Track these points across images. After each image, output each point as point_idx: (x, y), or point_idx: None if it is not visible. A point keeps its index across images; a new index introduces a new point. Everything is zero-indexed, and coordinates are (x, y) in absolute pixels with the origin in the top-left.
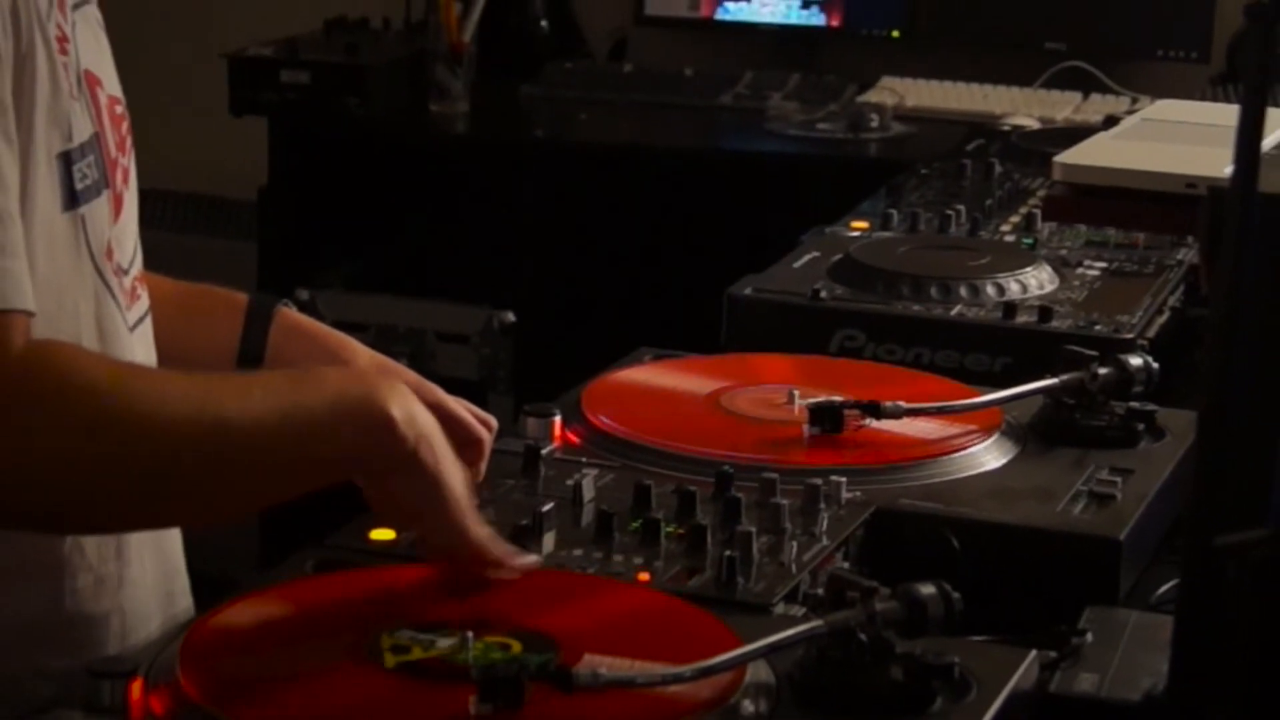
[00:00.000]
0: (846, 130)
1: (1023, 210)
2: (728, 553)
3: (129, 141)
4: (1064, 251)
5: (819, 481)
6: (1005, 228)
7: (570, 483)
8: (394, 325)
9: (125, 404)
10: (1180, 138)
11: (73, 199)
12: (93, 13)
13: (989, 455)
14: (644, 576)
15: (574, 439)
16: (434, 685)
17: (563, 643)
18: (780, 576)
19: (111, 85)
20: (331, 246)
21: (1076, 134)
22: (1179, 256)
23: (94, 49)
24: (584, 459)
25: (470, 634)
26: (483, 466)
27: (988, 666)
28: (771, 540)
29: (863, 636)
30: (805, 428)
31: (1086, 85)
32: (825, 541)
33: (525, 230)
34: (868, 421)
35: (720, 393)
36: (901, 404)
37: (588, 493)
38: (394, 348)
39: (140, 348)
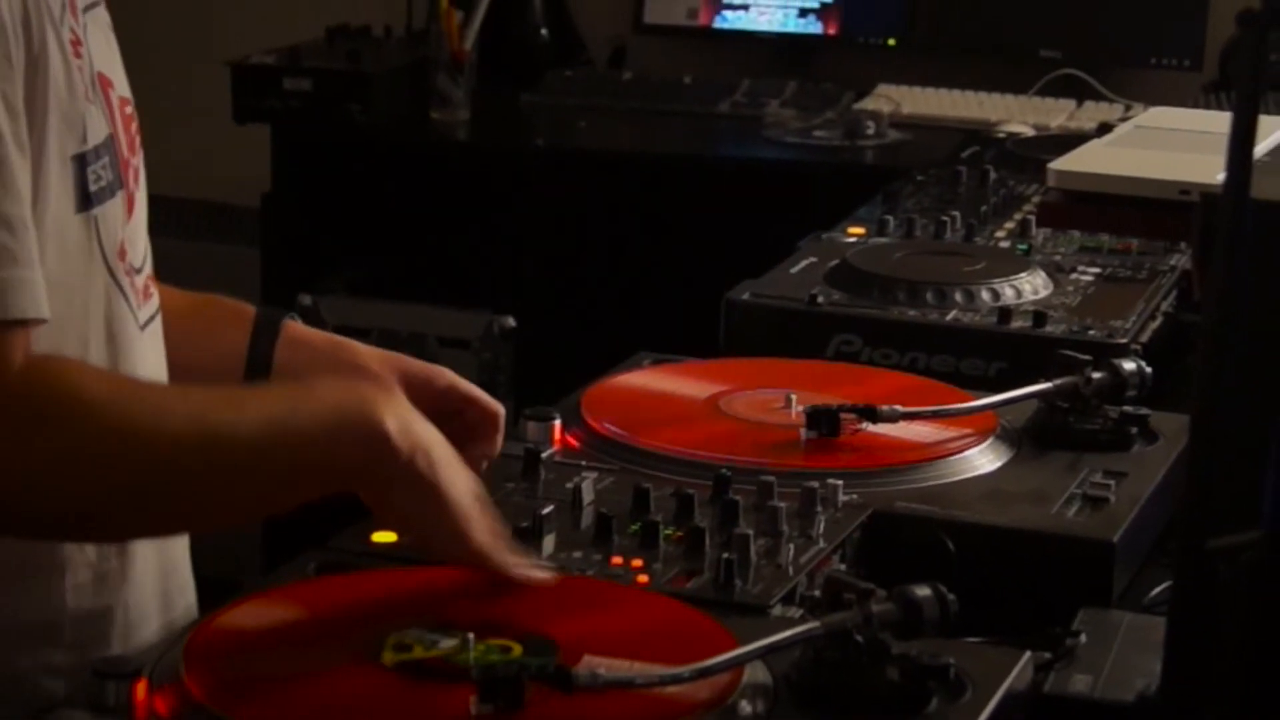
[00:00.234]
0: (843, 137)
1: (1017, 216)
2: (726, 555)
3: (139, 141)
4: (1058, 257)
5: (816, 484)
6: (1000, 233)
7: (570, 486)
8: (396, 330)
9: (124, 419)
10: (1173, 145)
11: (86, 200)
12: (102, 15)
13: (984, 459)
14: (643, 579)
15: (574, 442)
16: (435, 686)
17: (562, 644)
18: (778, 578)
19: (122, 86)
20: (334, 252)
21: (1071, 141)
22: (1172, 262)
23: (105, 51)
24: (583, 462)
25: (471, 635)
26: (499, 440)
27: (983, 667)
28: (769, 543)
29: (859, 638)
30: (802, 431)
31: (1081, 93)
32: (822, 544)
33: (526, 236)
34: (864, 425)
35: (718, 397)
36: (898, 408)
37: (587, 495)
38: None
39: (151, 346)
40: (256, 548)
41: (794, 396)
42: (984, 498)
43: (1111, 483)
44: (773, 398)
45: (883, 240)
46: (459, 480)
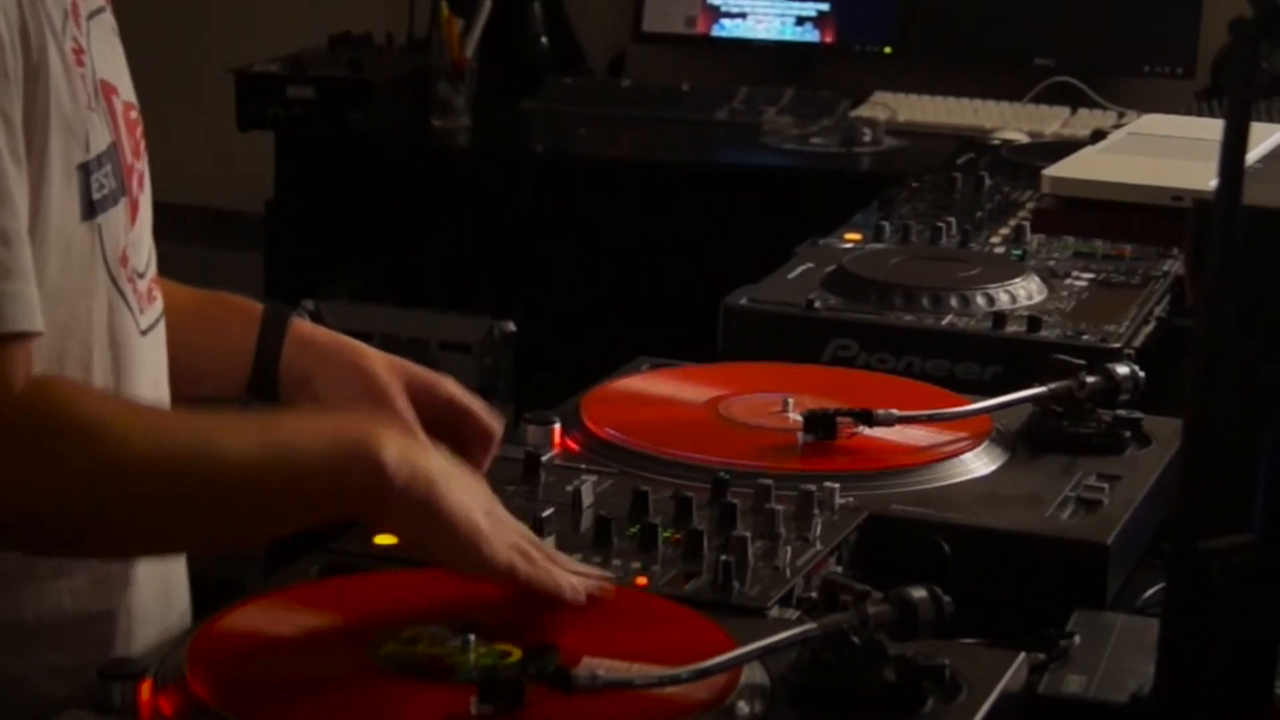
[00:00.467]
0: (840, 144)
1: (1012, 222)
2: (723, 557)
3: (144, 145)
4: (1052, 263)
5: (813, 488)
6: (995, 239)
7: (570, 489)
8: (397, 335)
9: (124, 444)
10: (1166, 151)
11: (90, 209)
12: (107, 20)
13: (979, 462)
14: (642, 580)
15: (573, 446)
16: (436, 686)
17: (562, 645)
18: (775, 580)
19: (126, 92)
20: (336, 258)
21: (1064, 148)
22: (1165, 267)
23: (109, 57)
24: (583, 465)
25: (472, 636)
26: (487, 461)
27: (978, 668)
28: (766, 545)
29: (855, 639)
30: (799, 435)
31: (1074, 100)
32: (819, 546)
33: (526, 242)
34: (860, 429)
35: (716, 401)
36: (894, 412)
37: (587, 498)
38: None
39: (152, 352)
40: (259, 550)
41: (791, 400)
42: (979, 500)
43: (1105, 486)
44: (770, 402)
45: (879, 246)
46: (464, 499)
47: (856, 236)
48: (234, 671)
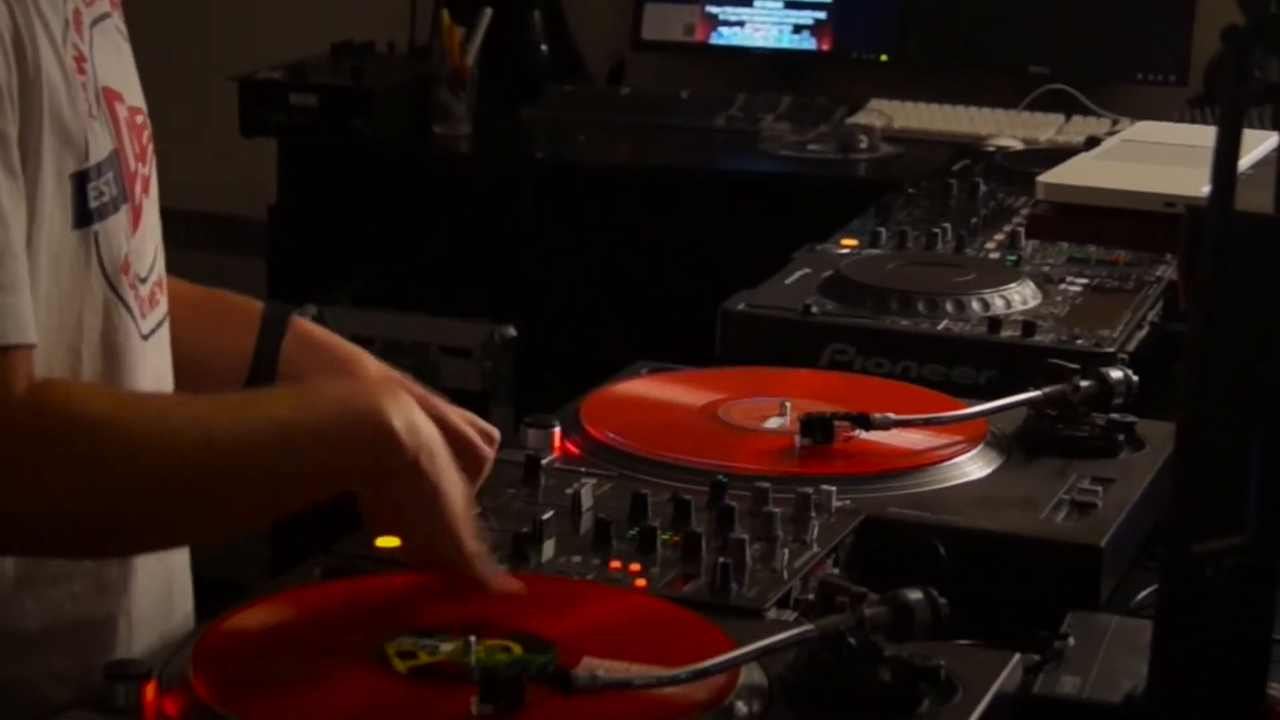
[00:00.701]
0: (836, 151)
1: (1007, 228)
2: (722, 559)
3: (150, 149)
4: (1047, 268)
5: (810, 490)
6: (990, 245)
7: (569, 492)
8: (399, 339)
9: (128, 433)
10: (1159, 158)
11: (85, 217)
12: (113, 25)
13: (974, 465)
14: (641, 582)
15: (573, 449)
16: (438, 687)
17: (562, 646)
18: (772, 582)
19: (133, 97)
20: (339, 263)
21: (1059, 155)
22: (1158, 273)
23: (114, 63)
24: (583, 469)
25: (473, 638)
26: (480, 481)
27: (973, 669)
28: (764, 547)
29: (852, 640)
30: (797, 438)
31: (1068, 107)
32: (816, 549)
33: (526, 247)
34: (857, 432)
35: (715, 405)
36: (890, 415)
37: (586, 501)
38: (399, 361)
39: (154, 356)
40: (263, 552)
41: (789, 404)
42: (974, 503)
43: (1099, 489)
44: (768, 405)
45: (875, 252)
46: (457, 483)
47: (853, 242)
48: (238, 673)
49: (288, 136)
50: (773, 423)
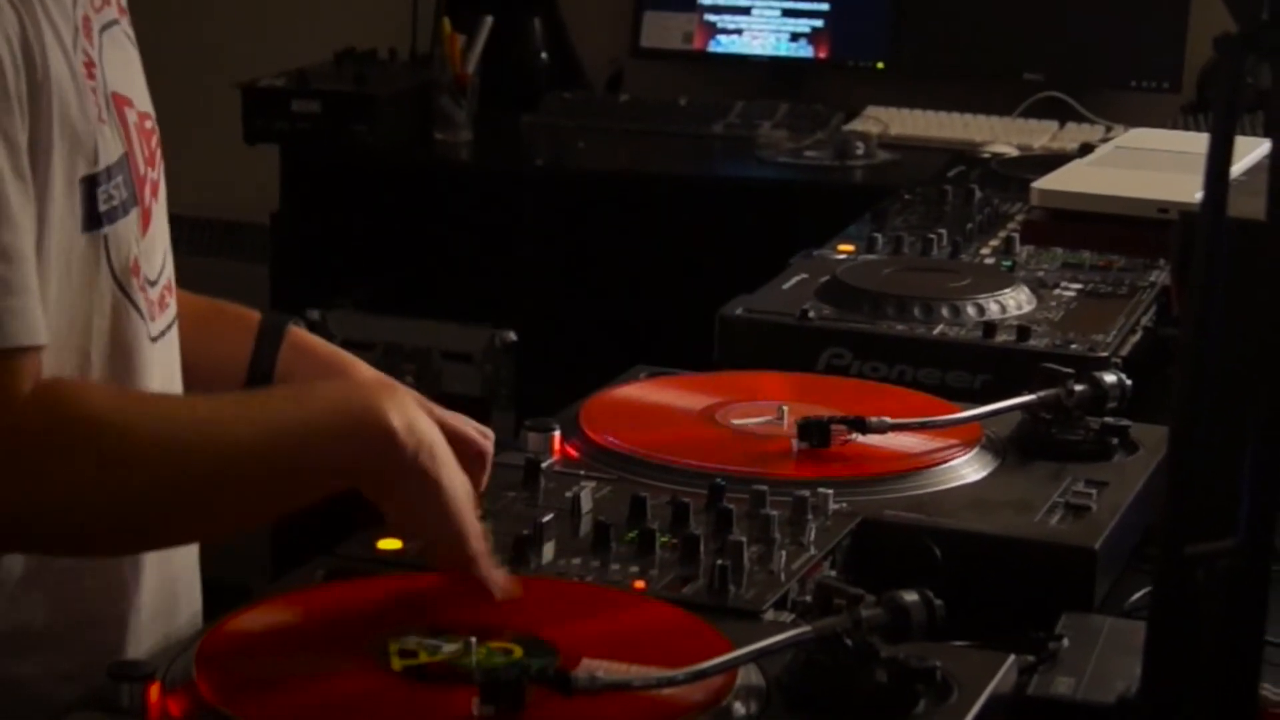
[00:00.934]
0: (833, 157)
1: (1002, 234)
2: (720, 562)
3: (158, 154)
4: (1041, 273)
5: (807, 493)
6: (985, 250)
7: (569, 495)
8: (401, 344)
9: (131, 433)
10: (1153, 165)
11: (95, 220)
12: (121, 31)
13: (970, 468)
14: (640, 584)
15: (573, 453)
16: (439, 688)
17: (562, 647)
18: (770, 584)
19: (141, 102)
20: (341, 268)
21: (1053, 161)
22: (1151, 278)
23: (123, 68)
24: (582, 472)
25: (474, 639)
26: (485, 479)
27: (968, 670)
28: (761, 550)
29: (849, 642)
30: (794, 442)
31: (1063, 114)
32: (813, 551)
33: (526, 253)
34: (854, 436)
35: (713, 409)
36: (886, 419)
37: (586, 504)
38: (401, 366)
39: (162, 359)
40: (266, 554)
41: (786, 408)
42: (970, 506)
43: (1093, 491)
44: (765, 409)
45: (871, 257)
46: (459, 480)
47: (850, 248)
48: (242, 674)
49: (290, 143)
50: (770, 426)
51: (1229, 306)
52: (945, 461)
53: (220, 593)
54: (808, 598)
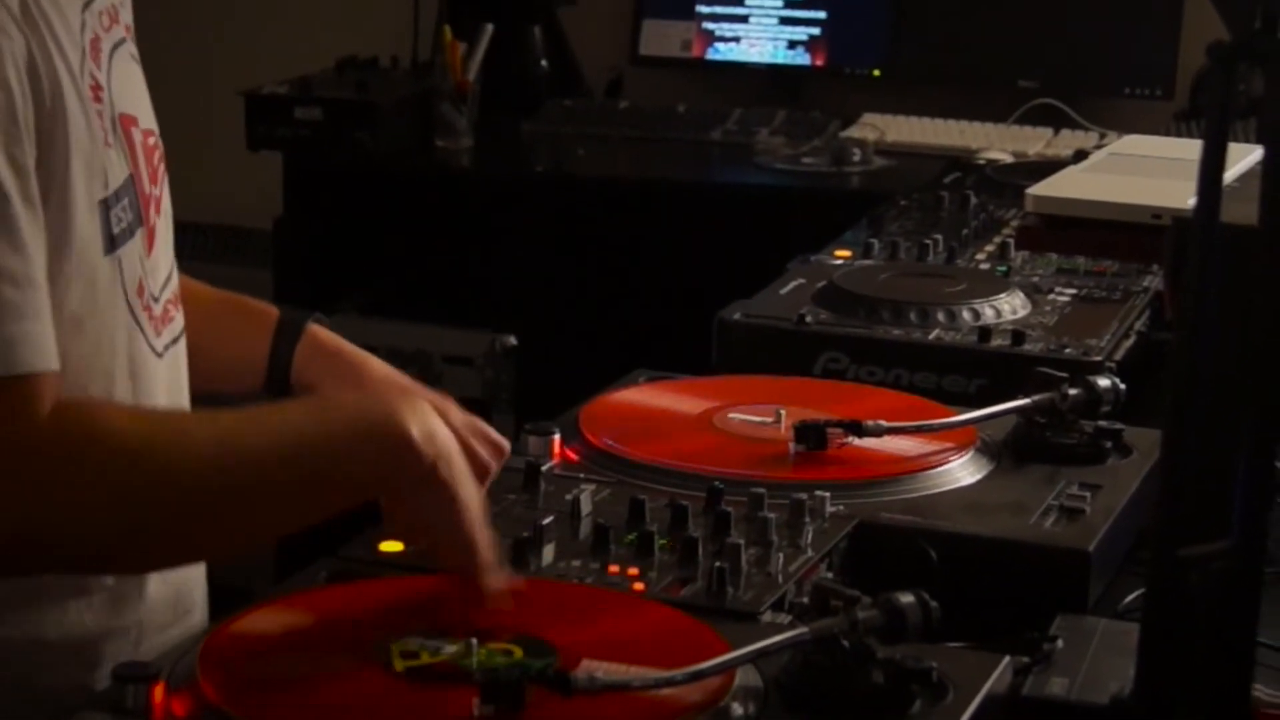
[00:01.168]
0: (830, 164)
1: (997, 239)
2: (718, 564)
3: (162, 169)
4: (1036, 278)
5: (804, 496)
6: (980, 256)
7: (569, 497)
8: (402, 348)
9: (150, 452)
10: (1146, 171)
11: (111, 243)
12: (128, 50)
13: (965, 471)
14: (639, 586)
15: (573, 456)
16: (440, 689)
17: (562, 648)
18: (768, 586)
19: (146, 119)
20: (343, 274)
21: (1048, 167)
22: (1145, 283)
23: (129, 88)
24: (582, 475)
25: (475, 640)
26: (489, 479)
27: (964, 671)
28: (759, 552)
29: (845, 643)
30: (791, 445)
31: (1057, 121)
32: (810, 553)
33: (527, 258)
34: (850, 439)
35: (711, 412)
36: (882, 423)
37: (585, 507)
38: (402, 369)
39: (167, 373)
40: (269, 556)
41: (783, 412)
42: (965, 509)
43: (1087, 494)
44: (763, 413)
45: (868, 262)
46: (474, 491)
47: (846, 253)
48: (245, 675)
49: (293, 150)
50: (768, 430)
51: (1222, 311)
52: (941, 465)
53: (224, 594)
54: (805, 599)
